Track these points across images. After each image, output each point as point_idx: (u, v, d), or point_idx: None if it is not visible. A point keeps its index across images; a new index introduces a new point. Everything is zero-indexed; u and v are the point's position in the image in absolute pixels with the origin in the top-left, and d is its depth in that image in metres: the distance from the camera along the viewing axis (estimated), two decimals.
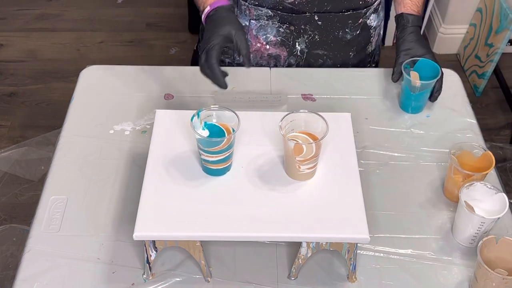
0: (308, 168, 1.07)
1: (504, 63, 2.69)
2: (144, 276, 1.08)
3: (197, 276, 1.08)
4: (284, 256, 1.11)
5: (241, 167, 1.10)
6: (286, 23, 1.40)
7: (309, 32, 1.41)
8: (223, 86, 1.19)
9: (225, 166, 1.09)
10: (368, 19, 1.44)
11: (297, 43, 1.43)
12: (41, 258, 1.10)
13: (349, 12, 1.40)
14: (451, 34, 2.85)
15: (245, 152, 1.12)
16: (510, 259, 1.05)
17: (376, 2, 1.44)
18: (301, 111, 1.09)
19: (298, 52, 1.45)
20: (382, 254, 1.12)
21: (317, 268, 1.10)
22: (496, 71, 2.67)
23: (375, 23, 1.47)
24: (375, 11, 1.45)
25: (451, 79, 1.48)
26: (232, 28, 1.19)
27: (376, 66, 1.59)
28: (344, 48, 1.46)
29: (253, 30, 1.42)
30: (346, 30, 1.43)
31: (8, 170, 2.21)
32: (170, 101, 1.39)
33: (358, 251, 1.08)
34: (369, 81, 1.46)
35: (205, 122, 1.08)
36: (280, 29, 1.41)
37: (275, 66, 1.49)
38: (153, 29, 3.02)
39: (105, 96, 1.40)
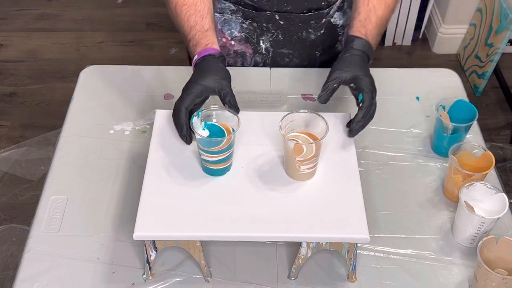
0: (308, 168, 1.07)
1: (504, 63, 2.69)
2: (144, 276, 1.08)
3: (197, 276, 1.08)
4: (284, 256, 1.11)
5: (241, 167, 1.10)
6: (249, 19, 1.39)
7: (272, 31, 1.40)
8: (186, 139, 1.10)
9: (225, 166, 1.09)
10: (332, 17, 1.41)
11: (261, 41, 1.42)
12: (41, 258, 1.10)
13: (310, 13, 1.38)
14: (451, 34, 2.85)
15: (245, 152, 1.12)
16: (510, 259, 1.05)
17: (339, 0, 1.39)
18: (301, 111, 1.09)
19: (263, 50, 1.44)
20: (382, 254, 1.12)
21: (317, 268, 1.10)
22: (496, 71, 2.67)
23: (342, 21, 1.43)
24: (340, 9, 1.41)
25: (451, 79, 1.48)
26: (216, 78, 1.11)
27: None
28: (309, 48, 1.45)
29: (218, 24, 1.42)
30: (310, 30, 1.41)
31: (8, 170, 2.21)
32: (170, 101, 1.39)
33: (358, 251, 1.08)
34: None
35: (205, 122, 1.08)
36: (243, 24, 1.40)
37: (242, 64, 1.48)
38: (153, 29, 3.02)
39: (105, 96, 1.40)
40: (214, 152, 1.05)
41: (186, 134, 1.09)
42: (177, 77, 1.45)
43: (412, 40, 2.96)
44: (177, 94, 1.39)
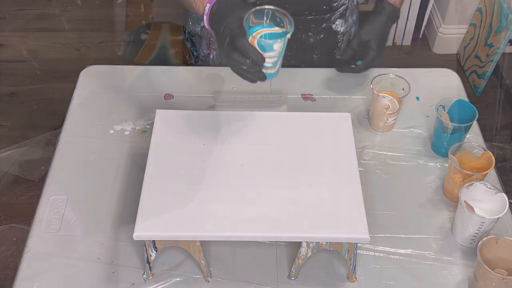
0: (393, 120, 1.31)
1: (504, 63, 2.69)
2: (144, 276, 1.08)
3: (197, 276, 1.08)
4: (284, 256, 1.11)
5: (241, 165, 1.10)
6: None
7: None
8: (258, 69, 1.06)
9: (277, 69, 1.09)
10: (334, 23, 1.43)
11: None
12: (41, 258, 1.10)
13: (311, 16, 1.39)
14: (451, 34, 2.85)
15: (245, 151, 1.12)
16: (510, 259, 1.05)
17: (342, 7, 1.41)
18: (391, 75, 1.31)
19: None
20: (382, 254, 1.12)
21: (317, 268, 1.10)
22: (496, 71, 2.67)
23: (343, 28, 1.45)
24: (342, 16, 1.43)
25: (451, 79, 1.48)
26: (241, 5, 1.08)
27: None
28: (307, 50, 1.46)
29: None
30: (309, 33, 1.42)
31: (8, 170, 2.21)
32: (170, 101, 1.39)
33: (358, 251, 1.08)
34: (369, 81, 1.46)
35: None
36: None
37: None
38: (153, 29, 3.02)
39: (105, 96, 1.40)
40: (272, 56, 1.06)
41: (260, 59, 1.04)
42: (177, 77, 1.46)
43: (412, 40, 2.96)
44: (177, 94, 1.41)
